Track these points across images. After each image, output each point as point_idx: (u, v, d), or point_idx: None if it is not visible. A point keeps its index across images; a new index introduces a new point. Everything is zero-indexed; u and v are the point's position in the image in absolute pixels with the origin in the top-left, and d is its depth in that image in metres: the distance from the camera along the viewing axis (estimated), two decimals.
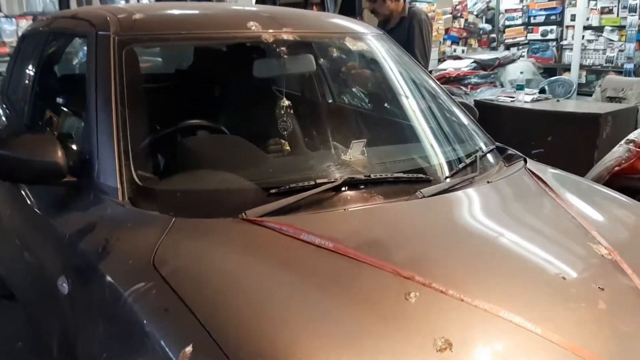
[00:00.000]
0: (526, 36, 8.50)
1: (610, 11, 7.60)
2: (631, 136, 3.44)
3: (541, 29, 8.30)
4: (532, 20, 8.43)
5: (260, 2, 6.04)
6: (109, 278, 1.44)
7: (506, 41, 8.71)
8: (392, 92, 2.57)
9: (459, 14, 8.43)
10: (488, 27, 8.90)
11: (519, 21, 8.60)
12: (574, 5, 7.76)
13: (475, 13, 8.74)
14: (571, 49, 7.78)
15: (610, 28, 7.63)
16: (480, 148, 2.18)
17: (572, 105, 5.82)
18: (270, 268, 1.40)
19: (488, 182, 1.96)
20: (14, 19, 5.89)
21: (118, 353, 1.36)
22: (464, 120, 2.40)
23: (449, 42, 8.30)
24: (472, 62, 7.22)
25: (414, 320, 1.27)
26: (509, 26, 8.71)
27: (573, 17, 7.84)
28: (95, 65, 1.95)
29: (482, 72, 7.16)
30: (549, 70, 7.94)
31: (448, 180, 1.93)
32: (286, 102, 2.22)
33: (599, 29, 7.76)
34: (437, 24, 7.45)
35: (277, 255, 1.45)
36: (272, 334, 1.19)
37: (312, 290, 1.33)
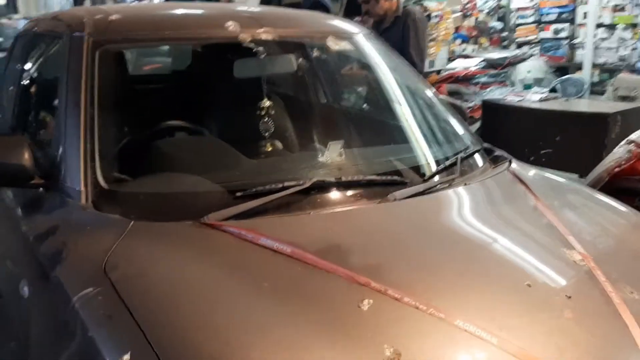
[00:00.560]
0: (538, 34, 8.38)
1: (623, 9, 7.45)
2: (632, 137, 3.34)
3: (553, 27, 8.16)
4: (544, 18, 8.30)
5: (264, 3, 6.02)
6: (61, 283, 1.42)
7: (517, 40, 8.58)
8: (377, 92, 2.53)
9: (468, 13, 8.33)
10: (499, 25, 8.78)
11: (531, 19, 8.46)
12: (586, 3, 7.62)
13: (485, 11, 8.63)
14: (583, 48, 7.64)
15: (623, 26, 7.48)
16: (464, 149, 2.13)
17: (581, 104, 5.72)
18: (223, 274, 1.37)
19: (465, 184, 1.91)
20: None
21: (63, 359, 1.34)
22: (452, 121, 2.35)
23: (458, 41, 8.20)
24: (482, 61, 7.14)
25: (364, 328, 1.23)
26: (520, 24, 8.59)
27: (585, 15, 7.71)
28: (68, 66, 1.94)
29: (491, 71, 7.08)
30: (561, 69, 7.81)
31: (425, 182, 1.88)
32: (267, 103, 2.19)
33: (611, 27, 7.61)
34: (446, 23, 7.37)
35: (231, 261, 1.42)
36: (210, 346, 1.16)
37: (261, 297, 1.30)
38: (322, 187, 1.72)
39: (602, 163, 3.42)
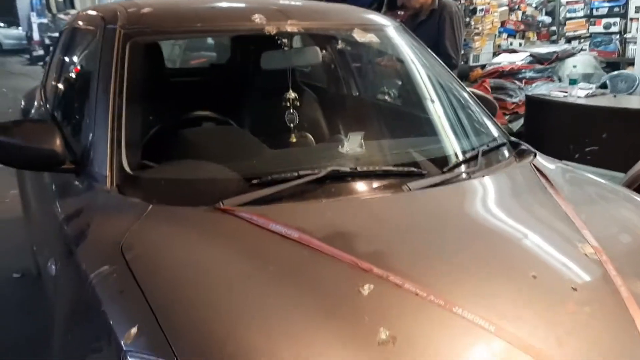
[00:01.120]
0: (588, 29, 8.14)
1: None
2: None
3: (604, 21, 7.92)
4: (595, 13, 8.07)
5: None
6: (81, 261, 1.51)
7: (567, 34, 8.36)
8: (404, 84, 2.54)
9: (516, 7, 8.16)
10: (548, 19, 8.57)
11: (581, 13, 8.23)
12: None
13: (534, 5, 8.43)
14: (635, 42, 7.39)
15: None
16: (487, 143, 2.12)
17: (629, 101, 5.53)
18: (230, 257, 1.42)
19: (482, 177, 1.91)
20: None
21: (79, 335, 1.41)
22: (478, 114, 2.34)
23: (505, 35, 8.05)
24: (528, 56, 7.00)
25: (362, 312, 1.26)
26: (570, 18, 8.36)
27: (638, 9, 7.46)
28: (101, 57, 2.03)
29: (538, 66, 6.93)
30: (612, 65, 7.58)
31: (442, 175, 1.89)
32: (292, 95, 2.23)
33: None
34: (492, 17, 7.25)
35: (240, 245, 1.47)
36: (212, 324, 1.21)
37: (266, 280, 1.34)
38: (337, 176, 1.74)
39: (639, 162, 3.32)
